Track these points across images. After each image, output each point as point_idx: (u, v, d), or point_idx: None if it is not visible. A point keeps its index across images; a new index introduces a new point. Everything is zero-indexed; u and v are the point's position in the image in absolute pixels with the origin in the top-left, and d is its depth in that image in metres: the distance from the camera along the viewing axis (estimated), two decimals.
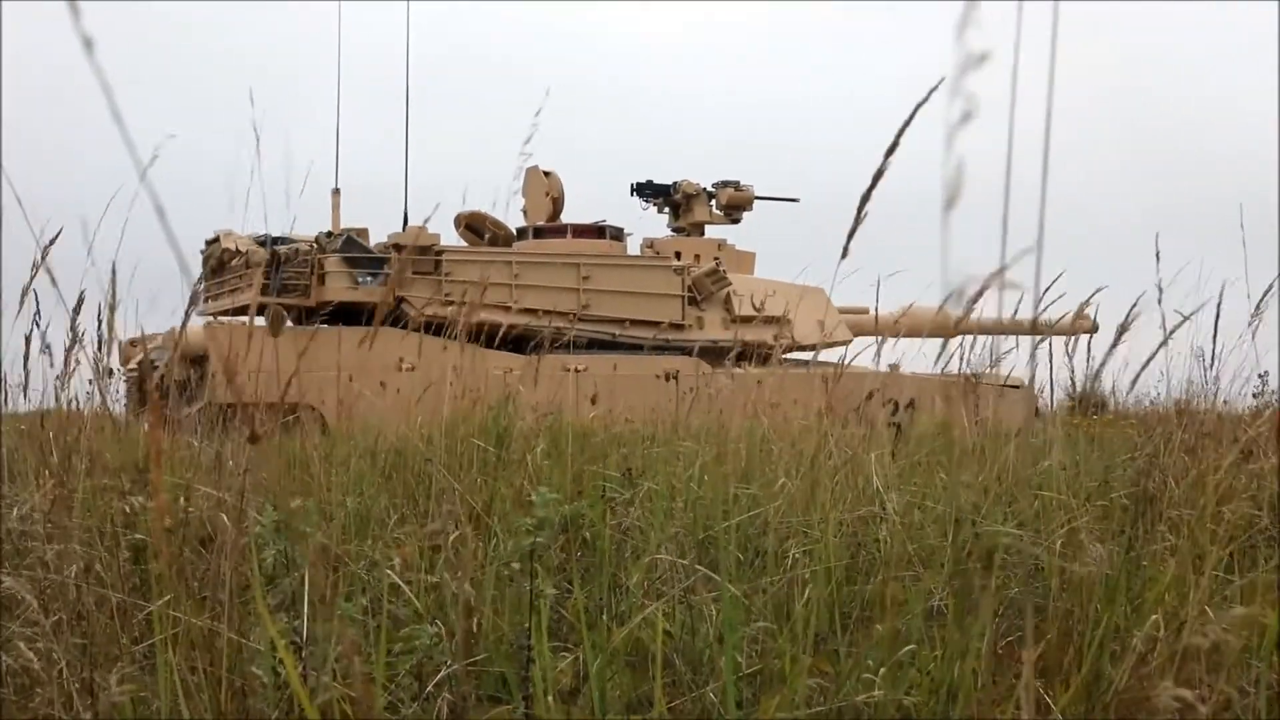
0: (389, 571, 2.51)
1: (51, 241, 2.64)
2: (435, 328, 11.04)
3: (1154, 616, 1.48)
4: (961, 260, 1.32)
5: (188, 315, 3.03)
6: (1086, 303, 4.25)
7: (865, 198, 2.01)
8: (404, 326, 12.92)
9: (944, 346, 4.23)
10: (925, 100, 1.89)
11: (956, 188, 1.13)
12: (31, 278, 2.73)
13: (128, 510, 2.47)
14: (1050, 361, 4.25)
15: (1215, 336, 3.89)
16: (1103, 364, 3.70)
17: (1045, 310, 4.41)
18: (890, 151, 1.96)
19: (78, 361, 2.98)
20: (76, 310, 2.81)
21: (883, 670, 2.11)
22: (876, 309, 4.78)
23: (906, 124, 1.91)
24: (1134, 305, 3.43)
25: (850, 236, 2.05)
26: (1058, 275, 3.86)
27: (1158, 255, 3.79)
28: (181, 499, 2.60)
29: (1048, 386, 4.38)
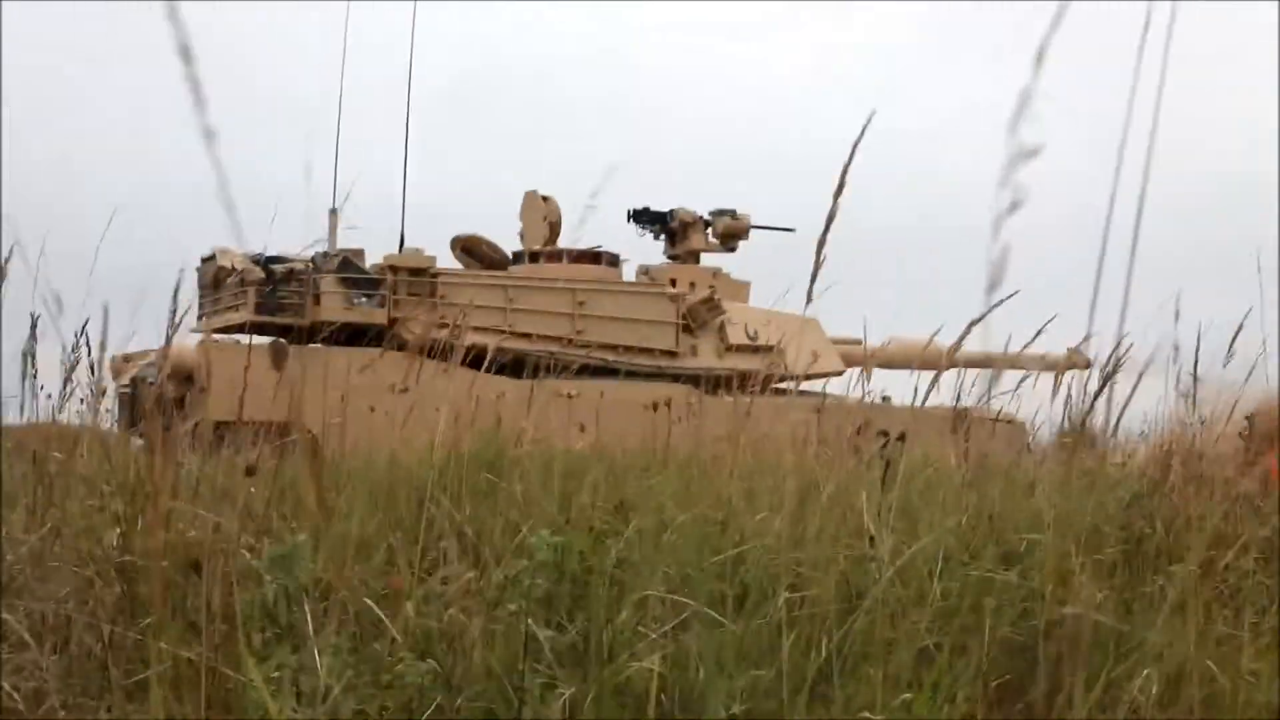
0: (368, 601, 2.51)
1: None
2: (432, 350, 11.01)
3: (1146, 671, 1.48)
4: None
5: (171, 334, 3.03)
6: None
7: (821, 242, 2.15)
8: (399, 349, 12.91)
9: (935, 379, 4.24)
10: (860, 138, 2.05)
11: (1000, 272, 1.17)
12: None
13: (119, 537, 2.47)
14: (1055, 397, 4.27)
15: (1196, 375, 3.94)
16: (1095, 399, 3.72)
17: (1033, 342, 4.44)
18: (837, 193, 2.13)
19: (76, 381, 2.98)
20: (80, 332, 2.82)
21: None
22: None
23: (847, 165, 2.07)
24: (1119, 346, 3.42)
25: (813, 279, 2.18)
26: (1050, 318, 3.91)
27: (1096, 301, 3.88)
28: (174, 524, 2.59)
29: (1040, 422, 4.39)
